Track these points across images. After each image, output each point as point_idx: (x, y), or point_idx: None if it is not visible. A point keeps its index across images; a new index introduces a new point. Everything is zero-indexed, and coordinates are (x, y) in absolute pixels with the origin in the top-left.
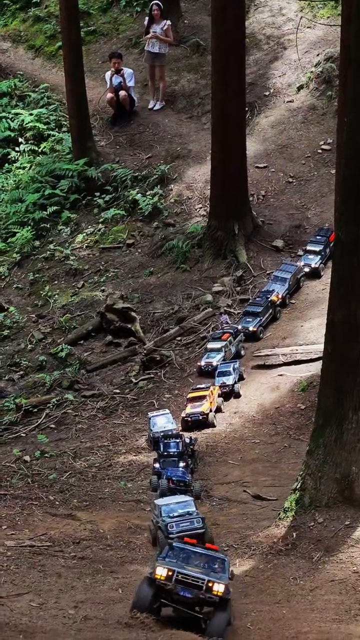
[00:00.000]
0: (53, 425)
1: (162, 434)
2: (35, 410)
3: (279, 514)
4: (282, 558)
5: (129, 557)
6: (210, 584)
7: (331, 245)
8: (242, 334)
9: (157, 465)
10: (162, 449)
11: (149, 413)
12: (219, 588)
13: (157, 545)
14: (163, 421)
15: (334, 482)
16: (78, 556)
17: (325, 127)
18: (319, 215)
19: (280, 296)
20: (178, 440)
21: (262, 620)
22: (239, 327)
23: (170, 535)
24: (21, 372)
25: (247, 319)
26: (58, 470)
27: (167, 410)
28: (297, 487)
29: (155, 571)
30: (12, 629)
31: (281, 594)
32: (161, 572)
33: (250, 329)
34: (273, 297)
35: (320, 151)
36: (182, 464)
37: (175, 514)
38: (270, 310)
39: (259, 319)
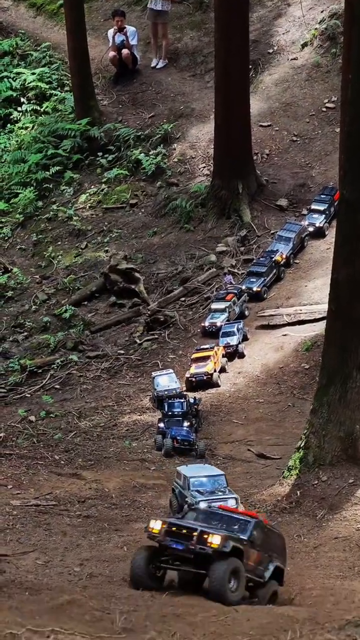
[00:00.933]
0: (58, 386)
1: (166, 393)
2: (40, 371)
3: (283, 472)
4: (286, 516)
5: (134, 515)
6: (204, 535)
7: (336, 204)
8: (246, 294)
9: (161, 424)
10: (166, 408)
11: (152, 373)
12: (213, 540)
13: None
14: (166, 381)
15: (337, 441)
16: (83, 515)
17: (329, 84)
18: (323, 174)
19: (284, 256)
20: (182, 400)
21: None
22: (243, 287)
23: None
24: (25, 333)
25: (251, 279)
26: (63, 430)
27: (171, 370)
28: (301, 445)
29: (149, 524)
30: (18, 586)
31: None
32: (154, 524)
33: (254, 289)
34: (277, 257)
35: (324, 109)
36: (186, 424)
37: (207, 490)
38: (274, 271)
39: (262, 279)
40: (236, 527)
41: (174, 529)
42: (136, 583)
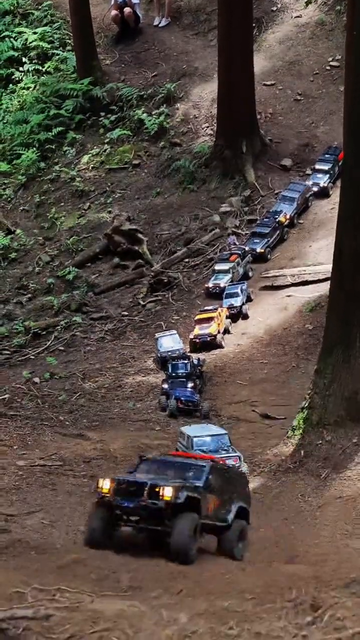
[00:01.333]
0: (62, 348)
1: (169, 354)
2: (44, 332)
3: (287, 432)
4: (290, 475)
5: None
6: (155, 489)
7: (340, 163)
8: (249, 255)
9: (165, 385)
10: (170, 370)
11: (156, 334)
12: (165, 492)
13: None
14: (170, 342)
15: (342, 401)
16: (89, 475)
17: (333, 42)
18: (327, 133)
19: (288, 216)
20: (186, 362)
21: (271, 535)
22: (247, 248)
23: None
24: (29, 295)
25: (255, 240)
26: (67, 392)
27: (174, 331)
28: (305, 406)
29: (97, 483)
30: (23, 546)
31: (289, 510)
32: (103, 483)
33: (258, 250)
34: (281, 218)
35: (328, 67)
36: (190, 385)
37: (210, 449)
38: (278, 231)
39: (266, 240)
40: (191, 474)
41: (123, 486)
42: (91, 543)
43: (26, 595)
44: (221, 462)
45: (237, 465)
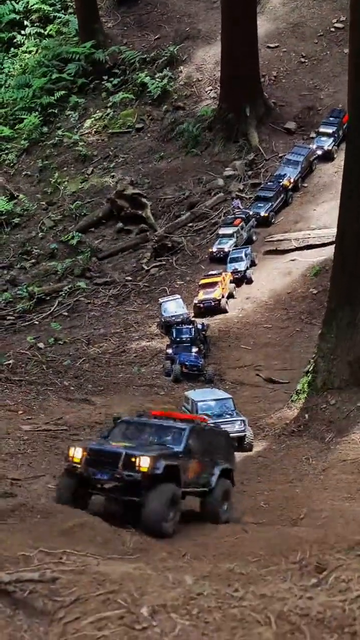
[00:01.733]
0: (66, 313)
1: (173, 319)
2: (48, 298)
3: (292, 396)
4: (294, 439)
5: None
6: (131, 459)
7: (344, 126)
8: (254, 219)
9: (170, 350)
10: (174, 334)
11: (159, 299)
12: (142, 462)
13: None
14: (174, 307)
15: (346, 365)
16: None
17: (338, 4)
18: (331, 96)
19: (292, 180)
20: (190, 326)
21: (276, 498)
22: (251, 212)
23: None
24: (33, 261)
25: (259, 204)
26: (72, 357)
27: (178, 296)
28: (310, 369)
29: (68, 451)
30: (29, 510)
31: (294, 473)
32: (74, 452)
33: (262, 214)
34: (285, 182)
35: (332, 29)
36: (194, 349)
37: (214, 413)
38: (282, 195)
39: (270, 204)
40: (169, 437)
41: (95, 456)
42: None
43: (32, 559)
44: (202, 421)
45: (242, 429)
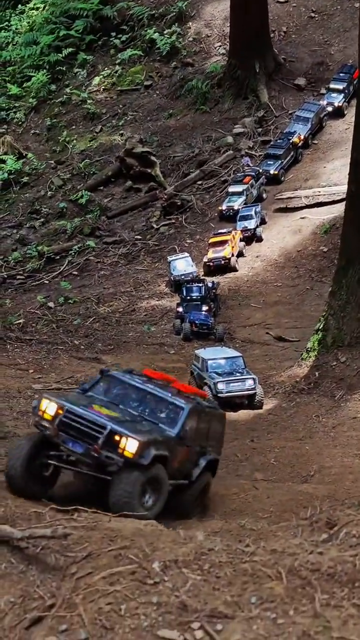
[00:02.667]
0: (75, 272)
1: (182, 277)
2: (58, 257)
3: (302, 354)
4: (304, 396)
5: None
6: (115, 437)
7: (355, 82)
8: (263, 176)
9: (180, 309)
10: (184, 293)
11: (168, 257)
12: (128, 446)
13: None
14: (183, 265)
15: (356, 322)
16: None
17: None
18: (342, 52)
19: (302, 137)
20: (200, 285)
21: (286, 456)
22: (260, 170)
23: (219, 395)
24: (42, 220)
25: (268, 162)
26: (82, 316)
27: (187, 254)
28: (320, 327)
29: (40, 404)
30: None
31: (304, 431)
32: (46, 406)
33: (271, 172)
34: (294, 139)
35: None
36: (204, 308)
37: (225, 371)
38: (292, 153)
39: (280, 161)
40: (163, 414)
41: (72, 420)
42: (13, 487)
43: (44, 515)
44: (203, 397)
45: (252, 387)
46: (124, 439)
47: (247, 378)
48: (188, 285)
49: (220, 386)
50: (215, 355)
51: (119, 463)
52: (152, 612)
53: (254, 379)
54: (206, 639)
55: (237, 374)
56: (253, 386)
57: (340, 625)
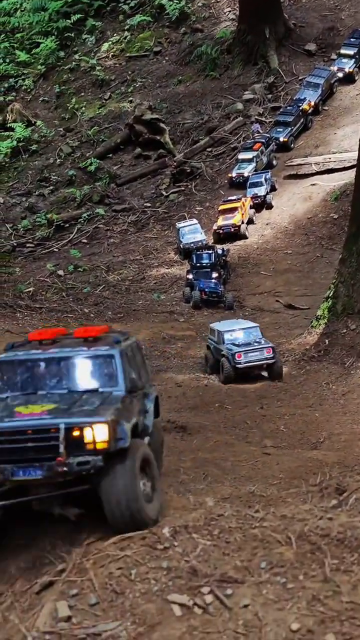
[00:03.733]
0: (85, 240)
1: (192, 245)
2: (67, 225)
3: (312, 322)
4: (314, 364)
5: (164, 365)
6: (75, 433)
7: None
8: (273, 143)
9: (190, 276)
10: (195, 260)
11: (177, 224)
12: (97, 434)
13: (210, 371)
14: (192, 232)
15: None
16: None
17: None
18: (353, 16)
19: (312, 104)
20: (211, 252)
21: (296, 423)
22: (270, 136)
23: (238, 366)
24: (51, 187)
25: (278, 129)
26: (92, 284)
27: (195, 220)
28: (330, 295)
29: None
30: None
31: (314, 398)
32: None
33: (281, 139)
34: (304, 106)
35: None
36: (214, 275)
37: (242, 342)
38: (302, 120)
39: (289, 128)
40: (96, 375)
41: (8, 442)
42: None
43: None
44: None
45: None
46: (87, 430)
47: (265, 347)
48: (198, 253)
49: (239, 357)
50: (231, 327)
51: (98, 462)
52: (162, 577)
53: (272, 347)
54: (216, 603)
55: (256, 344)
56: (272, 355)
57: (350, 589)
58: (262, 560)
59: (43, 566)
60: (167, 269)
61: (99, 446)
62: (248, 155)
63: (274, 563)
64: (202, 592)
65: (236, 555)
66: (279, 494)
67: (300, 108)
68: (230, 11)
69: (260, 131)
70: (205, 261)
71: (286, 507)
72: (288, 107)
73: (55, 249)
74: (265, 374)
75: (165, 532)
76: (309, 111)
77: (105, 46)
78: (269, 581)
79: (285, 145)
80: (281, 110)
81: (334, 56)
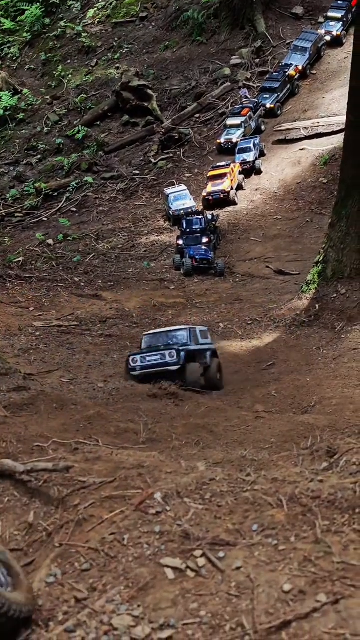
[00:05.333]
0: (74, 209)
1: (182, 212)
2: (56, 194)
3: (302, 287)
4: (305, 329)
5: None
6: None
7: (354, 10)
8: (262, 108)
9: (180, 242)
10: (185, 226)
11: (165, 190)
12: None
13: None
14: (181, 199)
15: (356, 254)
16: (105, 334)
17: None
18: None
19: (301, 68)
20: (201, 217)
21: (287, 388)
22: (258, 101)
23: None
24: (39, 156)
25: (264, 95)
26: (81, 253)
27: (184, 186)
28: (320, 260)
29: None
30: (46, 397)
31: (305, 362)
32: None
33: (268, 105)
34: (291, 72)
35: None
36: (205, 240)
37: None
38: (288, 86)
39: (276, 95)
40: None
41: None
42: None
43: (46, 450)
44: None
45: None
46: None
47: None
48: (188, 218)
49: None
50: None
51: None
52: (155, 542)
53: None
54: (209, 566)
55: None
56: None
57: (341, 550)
58: (254, 523)
59: (36, 532)
60: (156, 236)
61: None
62: (236, 121)
63: (265, 525)
64: (194, 556)
65: (228, 519)
66: (271, 458)
67: (287, 74)
68: None
69: (249, 96)
70: (195, 227)
71: (277, 470)
72: (274, 74)
73: (44, 218)
74: None
75: (157, 497)
76: (296, 77)
77: (91, 12)
78: (261, 543)
79: (272, 111)
80: (267, 76)
81: (321, 19)
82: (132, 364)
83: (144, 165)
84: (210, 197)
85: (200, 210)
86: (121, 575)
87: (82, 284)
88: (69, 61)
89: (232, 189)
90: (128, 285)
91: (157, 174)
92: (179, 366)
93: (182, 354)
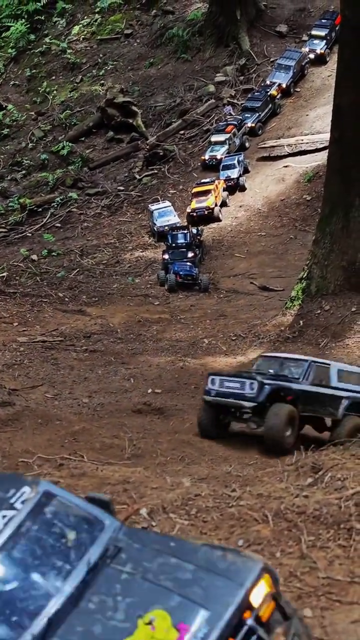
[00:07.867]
0: (58, 224)
1: (166, 228)
2: (40, 209)
3: (286, 303)
4: (289, 345)
5: (140, 348)
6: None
7: (337, 28)
8: (246, 125)
9: (166, 256)
10: (170, 240)
11: (149, 206)
12: None
13: None
14: (165, 215)
15: (340, 270)
16: (90, 349)
17: None
18: None
19: (284, 85)
20: (186, 231)
21: None
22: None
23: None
24: (23, 172)
25: (246, 115)
26: (66, 268)
27: (168, 203)
28: (304, 276)
29: None
30: (30, 412)
31: None
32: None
33: (249, 125)
34: (272, 91)
35: None
36: (190, 255)
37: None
38: (270, 105)
39: (257, 114)
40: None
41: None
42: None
43: (32, 465)
44: None
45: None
46: None
47: None
48: (173, 233)
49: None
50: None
51: None
52: None
53: None
54: None
55: None
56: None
57: (327, 565)
58: (240, 538)
59: None
60: (141, 252)
61: None
62: (220, 137)
63: (251, 541)
64: None
65: (214, 534)
66: (255, 474)
67: (269, 93)
68: None
69: (233, 113)
70: (180, 241)
71: (262, 486)
72: (256, 93)
73: (28, 234)
74: None
75: (142, 513)
76: (278, 96)
77: (75, 29)
78: None
79: (253, 130)
80: (249, 95)
81: (305, 37)
82: (209, 386)
83: (128, 182)
84: (195, 214)
85: (184, 225)
86: None
87: (67, 299)
88: (53, 77)
89: (216, 205)
90: (112, 301)
91: (141, 190)
92: (254, 404)
93: (266, 388)
